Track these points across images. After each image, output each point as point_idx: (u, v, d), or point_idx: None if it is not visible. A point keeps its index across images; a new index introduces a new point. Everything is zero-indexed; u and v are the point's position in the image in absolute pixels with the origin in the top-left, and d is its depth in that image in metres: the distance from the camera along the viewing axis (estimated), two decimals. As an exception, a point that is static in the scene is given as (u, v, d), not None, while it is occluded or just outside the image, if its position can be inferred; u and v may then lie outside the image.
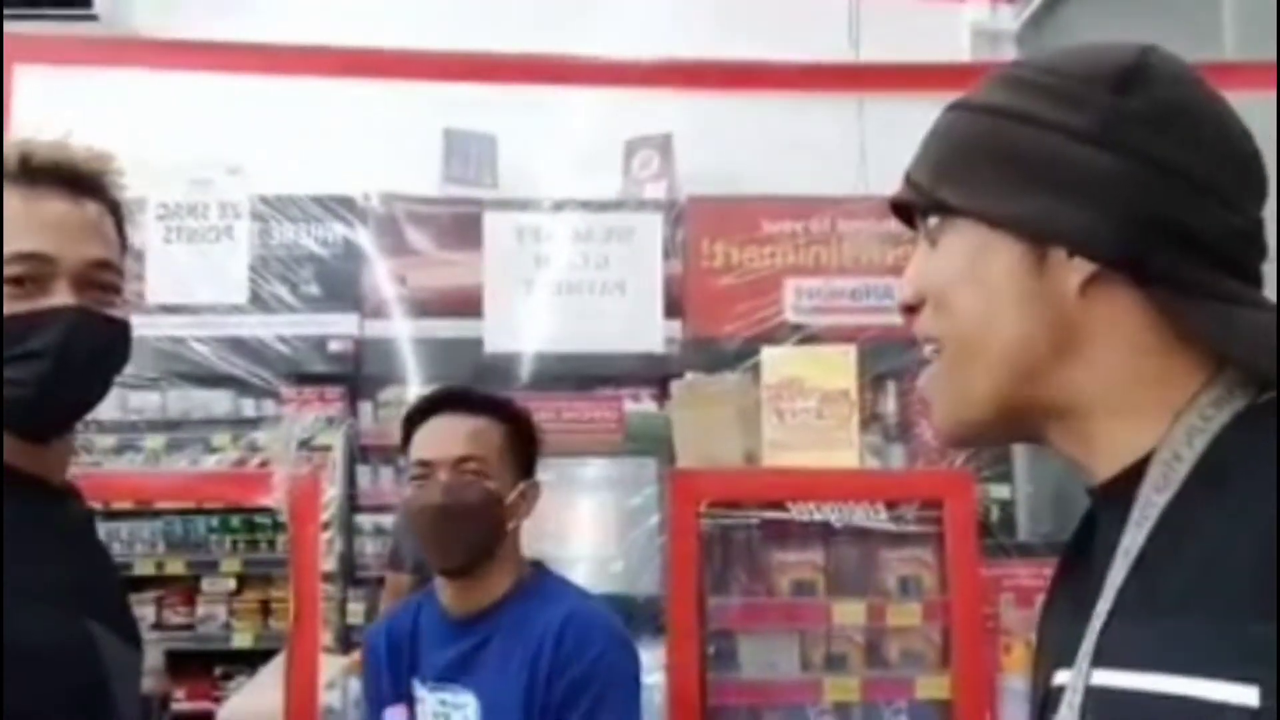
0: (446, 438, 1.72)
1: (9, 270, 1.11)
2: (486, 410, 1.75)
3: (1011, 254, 0.75)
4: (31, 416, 1.14)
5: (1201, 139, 0.74)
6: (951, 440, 0.82)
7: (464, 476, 1.69)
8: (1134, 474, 0.72)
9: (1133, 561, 0.69)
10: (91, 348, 1.15)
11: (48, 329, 1.12)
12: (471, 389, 1.83)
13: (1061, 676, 0.73)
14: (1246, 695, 0.59)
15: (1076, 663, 0.70)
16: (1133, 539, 0.69)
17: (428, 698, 1.72)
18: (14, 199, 1.13)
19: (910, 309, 0.82)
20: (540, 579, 1.79)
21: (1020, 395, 0.77)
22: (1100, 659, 0.69)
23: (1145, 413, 0.73)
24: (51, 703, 1.10)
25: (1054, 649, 0.78)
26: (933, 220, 0.79)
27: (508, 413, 1.78)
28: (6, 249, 1.11)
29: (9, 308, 1.11)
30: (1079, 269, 0.74)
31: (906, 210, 0.83)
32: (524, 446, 1.78)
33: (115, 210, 1.21)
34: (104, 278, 1.17)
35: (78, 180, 1.16)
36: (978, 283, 0.77)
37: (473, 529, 1.68)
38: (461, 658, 1.70)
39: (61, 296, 1.13)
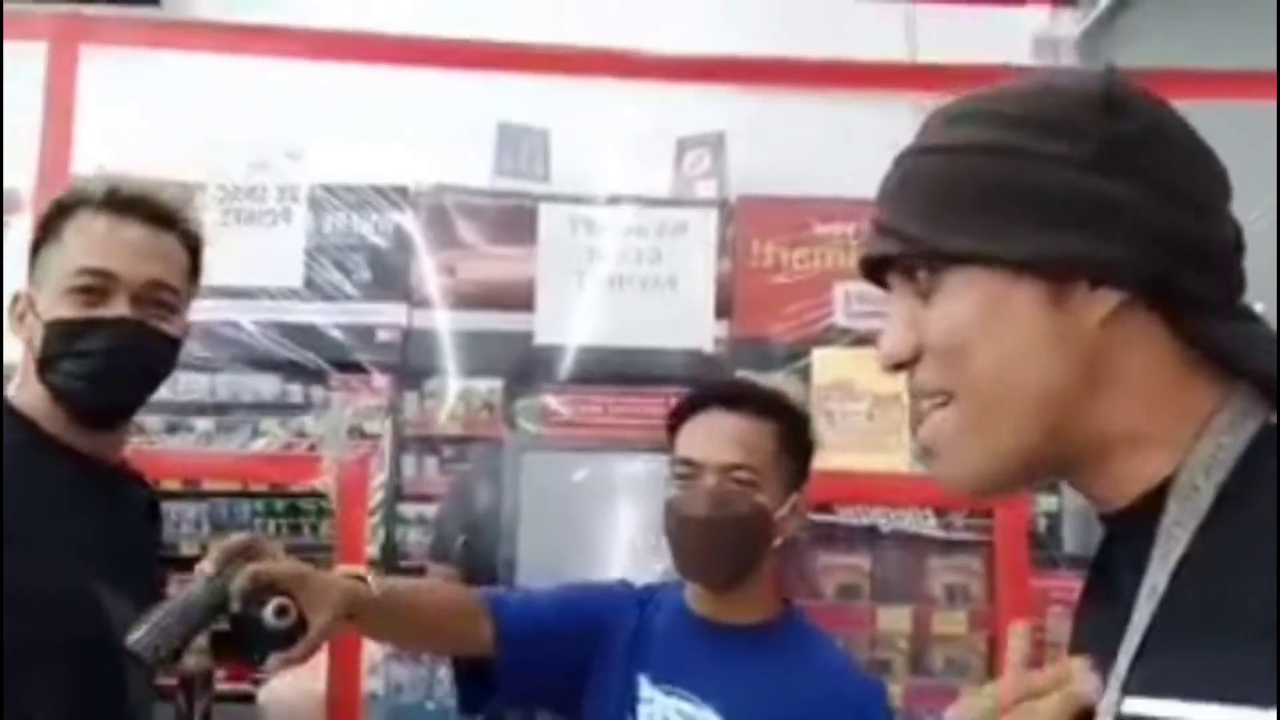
0: (717, 438, 1.55)
1: (78, 281, 1.32)
2: (763, 410, 1.58)
3: (1030, 295, 0.73)
4: (80, 406, 1.35)
5: (1188, 155, 0.75)
6: (967, 493, 0.78)
7: (733, 486, 1.53)
8: (1148, 501, 0.71)
9: (1162, 592, 0.68)
10: (138, 355, 1.35)
11: (101, 334, 1.32)
12: (750, 383, 1.69)
13: None
14: None
15: (1107, 691, 0.69)
16: (1158, 574, 0.69)
17: (659, 699, 1.55)
18: (98, 223, 1.34)
19: (900, 365, 0.78)
20: (799, 616, 1.65)
21: (1049, 441, 0.74)
22: (1132, 687, 0.68)
23: (1161, 440, 0.72)
24: (45, 643, 1.25)
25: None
26: (922, 273, 0.76)
27: (785, 415, 1.60)
28: (80, 263, 1.32)
29: (75, 313, 1.32)
30: (1103, 301, 0.72)
31: (875, 265, 0.80)
32: (799, 454, 1.61)
33: (191, 243, 1.42)
34: (161, 296, 1.36)
35: (155, 213, 1.37)
36: (998, 331, 0.73)
37: (737, 545, 1.53)
38: (711, 670, 1.54)
39: (119, 309, 1.32)
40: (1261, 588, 0.62)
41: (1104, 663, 0.71)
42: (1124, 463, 0.73)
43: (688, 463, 1.56)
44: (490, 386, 4.21)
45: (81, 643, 1.30)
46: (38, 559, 1.26)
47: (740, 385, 1.68)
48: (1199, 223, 0.73)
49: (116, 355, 1.33)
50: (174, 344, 1.40)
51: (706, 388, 1.66)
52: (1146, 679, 0.67)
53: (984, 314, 0.74)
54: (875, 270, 0.81)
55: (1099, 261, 0.72)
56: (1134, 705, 0.68)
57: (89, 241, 1.33)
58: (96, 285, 1.33)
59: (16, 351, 1.48)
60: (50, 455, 1.36)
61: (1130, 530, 0.73)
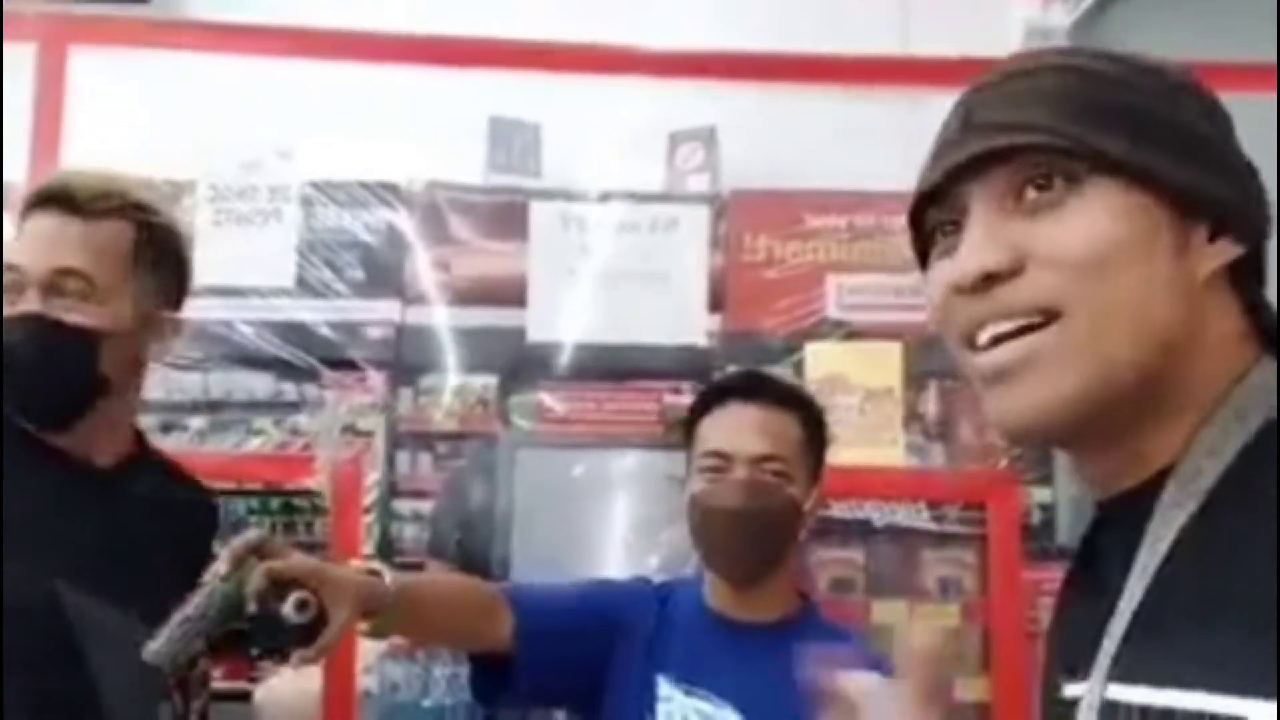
0: (747, 429, 1.54)
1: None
2: (784, 402, 1.58)
3: (1164, 225, 0.70)
4: (16, 411, 1.31)
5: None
6: (1057, 424, 0.71)
7: (765, 477, 1.52)
8: (1151, 486, 0.70)
9: (1151, 576, 0.67)
10: (45, 350, 1.28)
11: (9, 332, 1.27)
12: (771, 376, 1.68)
13: (1072, 689, 0.72)
14: (1268, 712, 0.58)
15: (1092, 677, 0.69)
16: (1151, 553, 0.68)
17: (678, 699, 1.53)
18: (21, 222, 1.31)
19: (989, 279, 0.71)
20: (817, 611, 1.65)
21: (1137, 388, 0.70)
22: (1117, 674, 0.67)
23: (1186, 421, 0.71)
24: (18, 651, 1.21)
25: (1063, 661, 0.76)
26: (1056, 179, 0.71)
27: (805, 406, 1.61)
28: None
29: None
30: (1219, 254, 0.71)
31: (952, 176, 0.74)
32: (819, 446, 1.61)
33: (135, 226, 1.35)
34: (69, 285, 1.29)
35: (70, 201, 1.31)
36: (1139, 252, 0.69)
37: (768, 537, 1.53)
38: (731, 669, 1.52)
39: (27, 304, 1.27)
40: (1259, 577, 0.61)
41: (1085, 650, 0.70)
42: (1160, 437, 0.71)
43: (718, 454, 1.54)
44: (485, 383, 4.22)
45: (40, 644, 1.26)
46: (17, 564, 1.24)
47: (761, 376, 1.65)
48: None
49: (22, 352, 1.27)
50: (88, 333, 1.31)
51: (728, 380, 1.65)
52: (1133, 665, 0.67)
53: (1130, 229, 0.69)
54: (938, 189, 0.75)
55: (1233, 211, 0.70)
56: (1119, 692, 0.67)
57: (8, 242, 1.31)
58: (10, 283, 1.29)
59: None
60: (27, 455, 1.32)
61: (1128, 513, 0.72)
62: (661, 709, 1.53)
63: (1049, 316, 0.69)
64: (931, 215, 0.78)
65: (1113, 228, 0.69)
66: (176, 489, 1.50)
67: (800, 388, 1.68)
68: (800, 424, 1.57)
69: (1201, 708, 0.61)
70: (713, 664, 1.53)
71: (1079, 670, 0.71)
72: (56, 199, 1.32)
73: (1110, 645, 0.68)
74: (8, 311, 1.28)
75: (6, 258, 1.29)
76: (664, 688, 1.54)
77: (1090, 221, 0.70)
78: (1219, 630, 0.62)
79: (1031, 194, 0.71)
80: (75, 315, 1.31)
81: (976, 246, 0.72)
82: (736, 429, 1.55)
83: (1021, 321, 0.70)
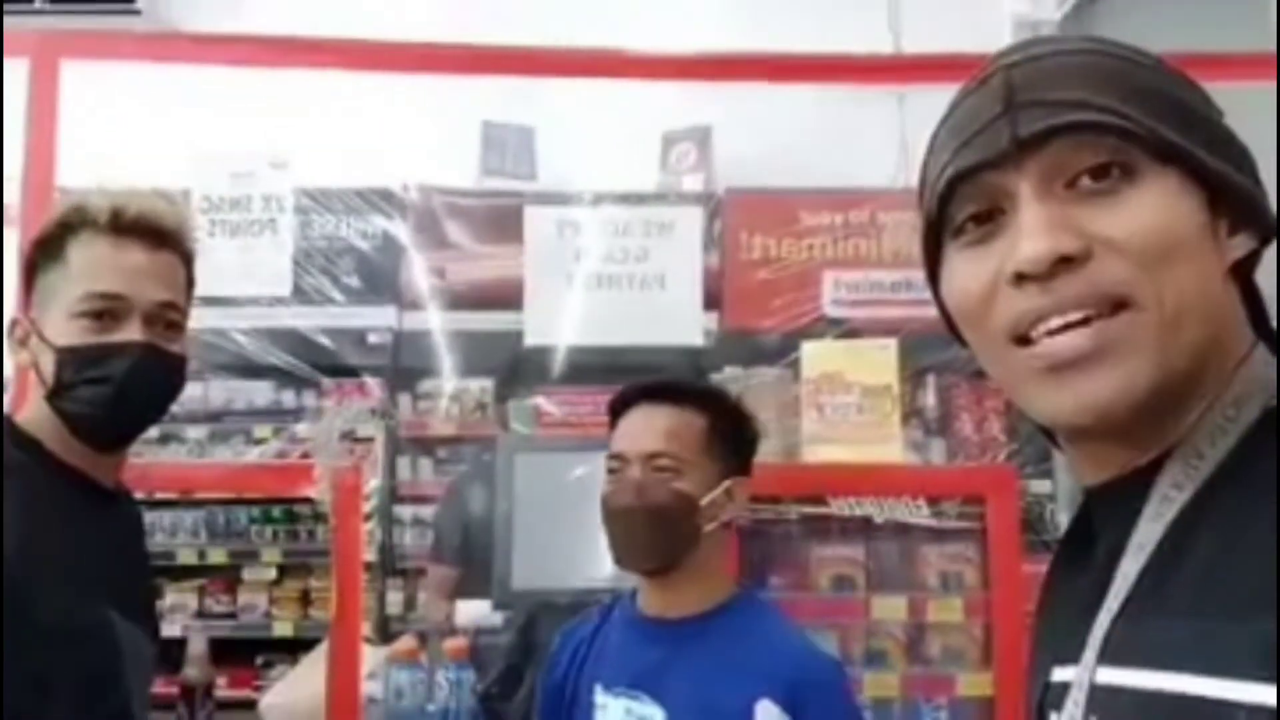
0: (642, 431, 1.63)
1: (90, 306, 1.32)
2: (689, 402, 1.65)
3: (1205, 216, 0.70)
4: (97, 432, 1.35)
5: None
6: (1127, 411, 0.69)
7: (656, 474, 1.59)
8: (1146, 473, 0.71)
9: (1147, 558, 0.67)
10: (152, 378, 1.36)
11: (116, 359, 1.32)
12: (678, 379, 1.73)
13: (1061, 673, 0.72)
14: (1264, 694, 0.58)
15: (1082, 660, 0.69)
16: (1147, 534, 0.68)
17: (611, 704, 1.61)
18: (103, 246, 1.34)
19: (1060, 263, 0.68)
20: (751, 600, 1.69)
21: (1203, 366, 0.69)
22: (1107, 657, 0.67)
23: (1184, 408, 0.71)
24: (64, 675, 1.24)
25: (1052, 645, 0.76)
26: (1116, 167, 0.69)
27: (714, 404, 1.67)
28: (89, 288, 1.33)
29: (86, 339, 1.32)
30: (1237, 248, 0.71)
31: (996, 160, 0.71)
32: (731, 441, 1.66)
33: (187, 259, 1.45)
34: (170, 317, 1.38)
35: (158, 233, 1.38)
36: (1199, 238, 0.69)
37: (664, 531, 1.58)
38: (655, 666, 1.59)
39: (132, 332, 1.33)
40: (1259, 561, 0.61)
41: (1074, 634, 0.70)
42: (1165, 422, 0.71)
43: (616, 457, 1.63)
44: (483, 386, 4.23)
45: (95, 668, 1.30)
46: (51, 584, 1.26)
47: (666, 381, 1.70)
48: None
49: (132, 380, 1.33)
50: (184, 363, 1.42)
51: (634, 385, 1.71)
52: (1125, 648, 0.67)
53: (1190, 219, 0.69)
54: (992, 165, 0.71)
55: (1259, 205, 0.70)
56: (1109, 675, 0.67)
57: (96, 265, 1.33)
58: (107, 309, 1.33)
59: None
60: (58, 478, 1.35)
61: (1122, 498, 0.71)
62: (597, 716, 1.61)
63: (1118, 306, 0.68)
64: (961, 197, 0.74)
65: (1174, 216, 0.68)
66: (131, 501, 1.55)
67: (716, 390, 1.75)
68: (706, 422, 1.63)
69: (1197, 691, 0.61)
70: (640, 664, 1.60)
71: (1068, 654, 0.71)
72: (143, 230, 1.37)
73: (1102, 628, 0.68)
74: (111, 337, 1.34)
75: (101, 286, 1.33)
76: (599, 695, 1.62)
77: (1154, 209, 0.68)
78: (1215, 614, 0.62)
79: (1086, 180, 0.69)
80: (176, 346, 1.41)
81: (1042, 230, 0.68)
82: (633, 431, 1.64)
83: (1090, 311, 0.68)
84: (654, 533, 1.58)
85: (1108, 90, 0.69)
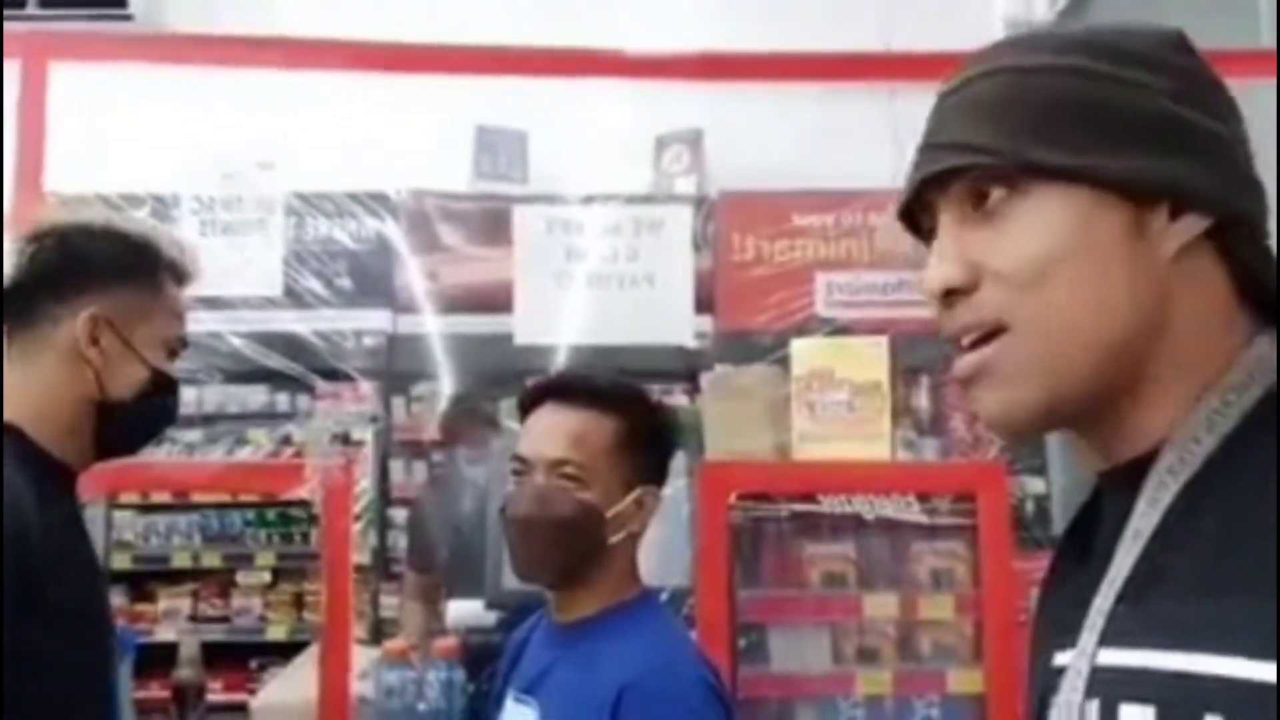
0: (546, 434, 1.51)
1: (174, 344, 1.47)
2: (600, 403, 1.53)
3: (1112, 221, 0.70)
4: (128, 445, 1.49)
5: (1233, 103, 0.75)
6: (1020, 427, 0.74)
7: (558, 482, 1.48)
8: (1149, 458, 0.71)
9: (1145, 542, 0.68)
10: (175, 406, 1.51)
11: (175, 393, 1.48)
12: (590, 375, 1.60)
13: (1062, 658, 0.72)
14: (1265, 671, 0.58)
15: (1080, 642, 0.69)
16: (1144, 519, 0.68)
17: (510, 709, 1.56)
18: (177, 290, 1.48)
19: (950, 294, 0.73)
20: (644, 604, 1.57)
21: (1102, 380, 0.71)
22: (1108, 638, 0.67)
23: (1180, 393, 0.71)
24: (83, 657, 1.34)
25: (1053, 633, 0.76)
26: (997, 191, 0.72)
27: (629, 406, 1.55)
28: (180, 331, 1.48)
29: (171, 371, 1.46)
30: (1181, 232, 0.71)
31: (915, 195, 0.77)
32: (644, 447, 1.55)
33: None
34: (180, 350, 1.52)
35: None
36: (1081, 256, 0.70)
37: (563, 544, 1.48)
38: (545, 668, 1.53)
39: (172, 368, 1.47)
40: (1255, 539, 0.61)
41: (1077, 618, 0.70)
42: (1140, 412, 0.72)
43: (519, 459, 1.53)
44: (476, 389, 4.22)
45: (108, 656, 1.40)
46: (75, 578, 1.34)
47: (576, 377, 1.60)
48: (1251, 165, 0.74)
49: (174, 408, 1.50)
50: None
51: (543, 381, 1.60)
52: (1125, 629, 0.67)
53: (1069, 236, 0.70)
54: (917, 197, 0.77)
55: (1189, 187, 0.70)
56: (1109, 656, 0.67)
57: (182, 311, 1.49)
58: (178, 350, 1.49)
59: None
60: (50, 468, 1.37)
61: (1126, 484, 0.72)
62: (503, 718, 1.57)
63: (998, 329, 0.72)
64: (922, 220, 0.80)
65: (1050, 234, 0.70)
66: None
67: (626, 389, 1.58)
68: (617, 425, 1.53)
69: (1198, 669, 0.61)
70: (536, 668, 1.55)
71: (1068, 640, 0.71)
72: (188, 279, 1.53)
73: (1102, 609, 0.68)
74: (173, 373, 1.47)
75: (182, 331, 1.48)
76: (507, 702, 1.57)
77: (1029, 234, 0.71)
78: (1215, 593, 0.62)
79: (987, 203, 0.73)
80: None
81: (937, 261, 0.75)
82: (538, 433, 1.53)
83: (975, 336, 0.73)
84: (554, 546, 1.49)
85: (989, 119, 0.73)
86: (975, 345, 0.73)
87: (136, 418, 1.42)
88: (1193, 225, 0.71)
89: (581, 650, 1.49)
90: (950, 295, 0.73)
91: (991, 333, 0.72)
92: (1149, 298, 0.70)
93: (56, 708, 1.27)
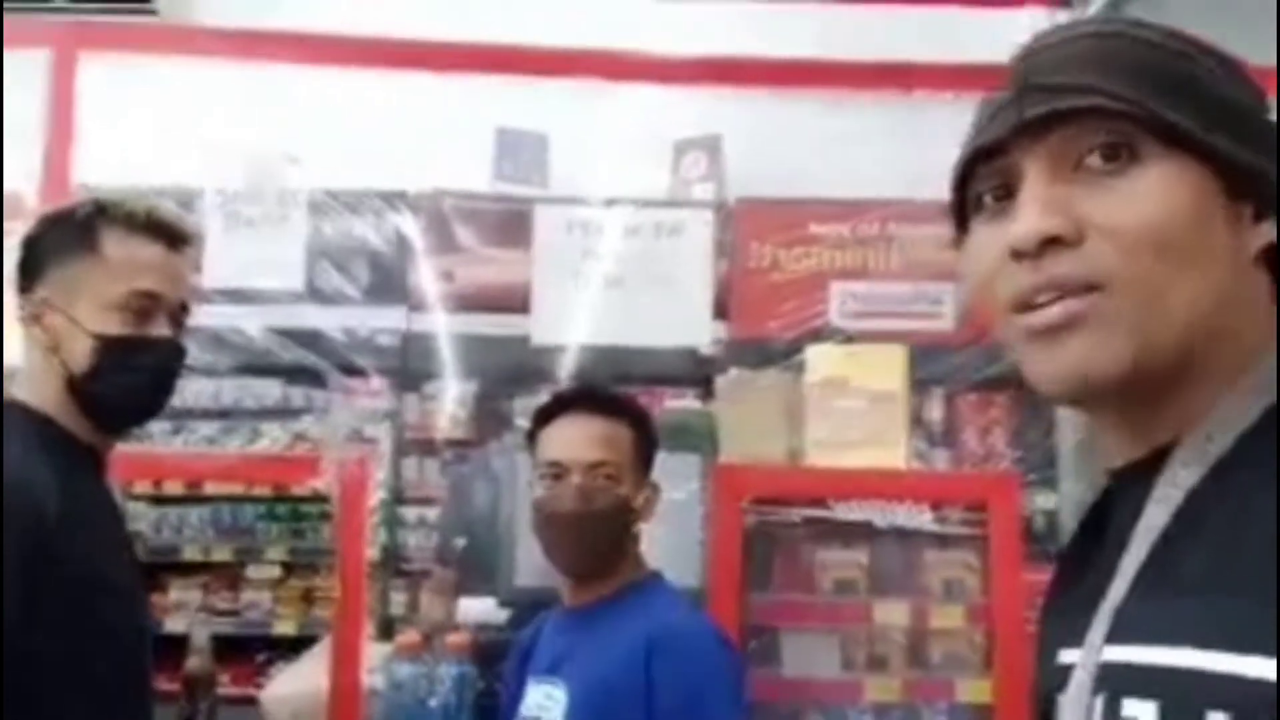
0: (581, 439, 1.73)
1: (130, 302, 1.41)
2: (618, 412, 1.77)
3: (1219, 204, 0.70)
4: (121, 416, 1.48)
5: None
6: (1096, 381, 0.70)
7: (598, 481, 1.71)
8: (1164, 455, 0.71)
9: (1155, 538, 0.68)
10: (175, 371, 1.49)
11: (152, 353, 1.43)
12: (603, 389, 1.87)
13: (1068, 655, 0.73)
14: (1269, 669, 0.59)
15: (1088, 639, 0.69)
16: (1156, 514, 0.69)
17: (533, 691, 1.73)
18: (141, 245, 1.43)
19: (1045, 245, 0.70)
20: (646, 583, 1.79)
21: (1189, 355, 0.70)
22: (1115, 635, 0.68)
23: (1201, 392, 0.71)
24: (107, 627, 1.37)
25: (1061, 632, 0.77)
26: (1124, 149, 0.70)
27: (637, 415, 1.81)
28: (133, 286, 1.41)
29: (126, 331, 1.41)
30: (1261, 235, 0.71)
31: (998, 145, 0.73)
32: (649, 449, 1.81)
33: (194, 261, 1.57)
34: (183, 316, 1.49)
35: (184, 238, 1.50)
36: (1200, 226, 0.69)
37: (604, 535, 1.71)
38: (564, 651, 1.72)
39: (162, 329, 1.44)
40: (1265, 538, 0.61)
41: (1085, 616, 0.71)
42: (1182, 405, 0.71)
43: (555, 464, 1.72)
44: (490, 388, 4.24)
45: (131, 628, 1.43)
46: (87, 549, 1.35)
47: (595, 390, 1.84)
48: None
49: (163, 372, 1.46)
50: (184, 355, 1.53)
51: (564, 394, 1.84)
52: (1133, 626, 0.67)
53: (1187, 208, 0.69)
54: (994, 153, 0.74)
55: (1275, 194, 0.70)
56: (1116, 652, 0.67)
57: (140, 265, 1.43)
58: (145, 307, 1.42)
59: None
60: (75, 450, 1.42)
61: (1138, 480, 0.72)
62: (523, 706, 1.75)
63: (1090, 289, 0.70)
64: (979, 177, 0.76)
65: (1171, 204, 0.69)
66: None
67: (633, 400, 1.88)
68: (631, 431, 1.77)
69: (1206, 666, 0.61)
70: (556, 651, 1.74)
71: (1075, 638, 0.72)
72: (175, 235, 1.49)
73: (1110, 605, 0.69)
74: (146, 331, 1.43)
75: (144, 285, 1.42)
76: (529, 687, 1.75)
77: (1149, 198, 0.69)
78: (1225, 591, 0.62)
79: (1092, 161, 0.71)
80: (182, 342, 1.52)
81: (1038, 210, 0.71)
82: (572, 439, 1.74)
83: (1058, 291, 0.70)
84: (596, 538, 1.71)
85: (1114, 73, 0.70)
86: (1059, 300, 0.70)
87: (106, 385, 1.41)
88: (1268, 231, 0.71)
89: (603, 625, 1.70)
90: (1044, 247, 0.70)
91: (1083, 290, 0.70)
92: (1234, 290, 0.71)
93: (85, 683, 1.30)
